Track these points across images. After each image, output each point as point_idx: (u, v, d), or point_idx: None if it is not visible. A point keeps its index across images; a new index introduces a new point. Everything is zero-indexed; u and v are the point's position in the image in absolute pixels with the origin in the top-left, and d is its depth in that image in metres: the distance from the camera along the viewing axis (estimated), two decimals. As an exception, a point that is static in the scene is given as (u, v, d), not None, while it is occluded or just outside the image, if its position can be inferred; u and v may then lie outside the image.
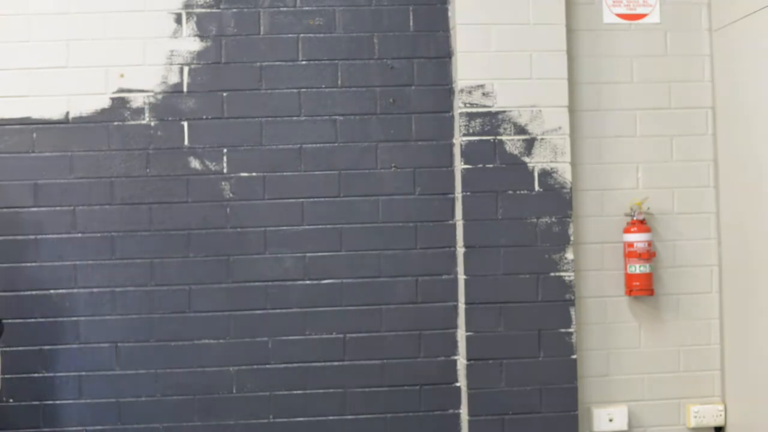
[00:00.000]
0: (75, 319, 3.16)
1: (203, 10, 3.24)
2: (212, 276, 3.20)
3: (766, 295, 3.07)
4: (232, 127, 3.23)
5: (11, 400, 3.12)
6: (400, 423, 3.24)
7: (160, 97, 3.21)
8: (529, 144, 3.20)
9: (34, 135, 3.16)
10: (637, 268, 3.25)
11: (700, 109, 3.39)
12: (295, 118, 3.25)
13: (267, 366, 3.21)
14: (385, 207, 3.25)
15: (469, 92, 3.19)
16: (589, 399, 3.31)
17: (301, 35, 3.26)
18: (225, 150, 3.22)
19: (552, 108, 3.21)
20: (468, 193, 3.18)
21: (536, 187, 3.20)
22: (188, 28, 3.23)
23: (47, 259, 3.15)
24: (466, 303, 3.17)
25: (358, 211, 3.25)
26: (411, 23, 3.29)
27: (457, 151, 3.24)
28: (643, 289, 3.26)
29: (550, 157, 3.21)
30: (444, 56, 3.29)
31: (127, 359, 3.17)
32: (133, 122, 3.20)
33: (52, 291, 3.15)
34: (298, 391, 3.21)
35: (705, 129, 3.39)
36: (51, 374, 3.13)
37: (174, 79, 3.22)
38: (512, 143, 3.20)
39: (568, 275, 3.20)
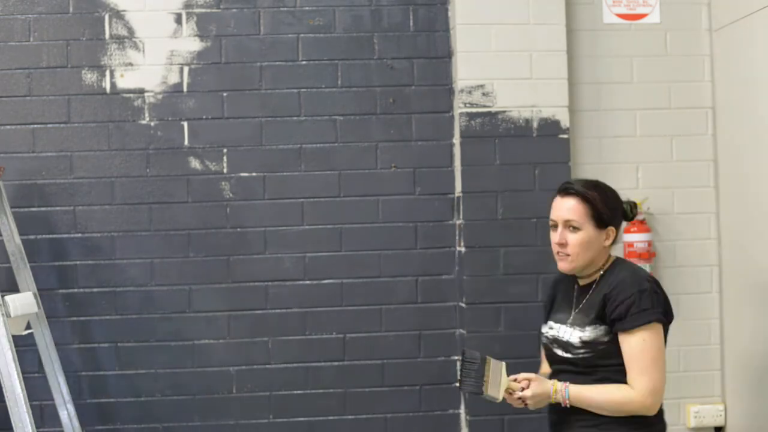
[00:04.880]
0: (75, 318, 3.16)
1: (203, 10, 3.24)
2: (212, 276, 3.20)
3: (767, 295, 3.07)
4: (232, 127, 3.23)
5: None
6: (400, 423, 3.24)
7: (160, 97, 3.21)
8: (530, 144, 3.20)
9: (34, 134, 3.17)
10: (637, 268, 3.25)
11: (700, 109, 3.39)
12: (295, 118, 3.25)
13: (267, 366, 3.21)
14: (385, 207, 3.25)
15: (469, 92, 3.19)
16: (589, 399, 3.31)
17: (301, 35, 3.26)
18: (225, 150, 3.22)
19: (552, 108, 3.21)
20: (468, 193, 3.18)
21: (536, 187, 3.20)
22: (188, 28, 3.23)
23: (48, 259, 3.15)
24: (466, 303, 3.17)
25: (358, 211, 3.25)
26: (411, 23, 3.29)
27: (457, 151, 3.24)
28: (643, 289, 3.26)
29: (551, 157, 3.21)
30: (444, 56, 3.29)
31: (127, 359, 3.17)
32: (133, 122, 3.20)
33: (52, 291, 3.15)
34: (298, 391, 3.21)
35: (705, 129, 3.39)
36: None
37: (174, 79, 3.22)
38: (512, 143, 3.20)
39: (568, 275, 3.20)
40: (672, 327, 3.34)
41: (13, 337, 2.67)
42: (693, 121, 3.39)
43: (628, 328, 2.23)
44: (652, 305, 2.25)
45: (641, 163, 3.36)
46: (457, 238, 3.26)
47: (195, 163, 3.22)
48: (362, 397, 3.22)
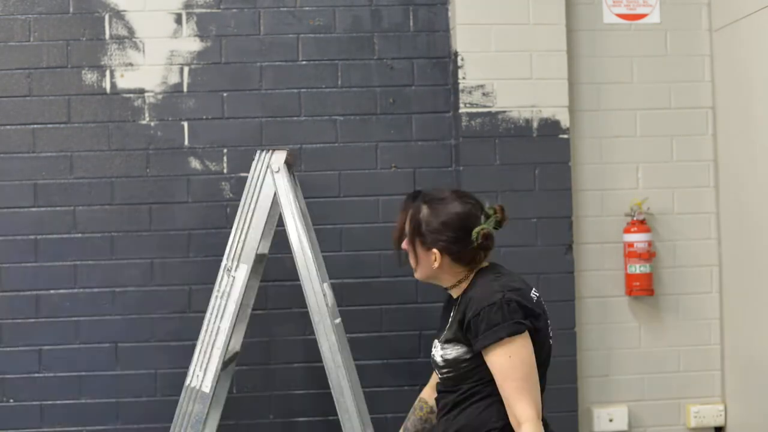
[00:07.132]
0: (75, 319, 3.16)
1: (203, 10, 3.24)
2: (212, 276, 3.19)
3: (766, 295, 3.07)
4: (232, 127, 3.23)
5: (11, 401, 3.12)
6: (400, 423, 3.23)
7: (160, 97, 3.21)
8: (530, 144, 3.20)
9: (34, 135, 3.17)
10: (637, 268, 3.25)
11: (700, 109, 3.39)
12: (295, 118, 3.25)
13: (267, 366, 3.20)
14: (385, 207, 3.25)
15: (469, 92, 3.19)
16: (589, 399, 3.31)
17: (301, 35, 3.26)
18: (225, 150, 3.22)
19: (552, 108, 3.21)
20: (468, 193, 3.18)
21: (536, 187, 3.20)
22: (188, 28, 3.23)
23: (48, 259, 3.15)
24: (466, 303, 3.16)
25: (358, 211, 3.24)
26: (411, 23, 3.29)
27: (457, 150, 3.24)
28: (643, 289, 3.26)
29: (551, 157, 3.21)
30: (444, 56, 3.29)
31: (127, 359, 3.16)
32: (133, 122, 3.20)
33: (52, 291, 3.15)
34: (298, 391, 3.21)
35: (705, 129, 3.39)
36: (51, 374, 3.13)
37: (174, 79, 3.22)
38: (512, 143, 3.20)
39: (568, 275, 3.20)
40: (672, 327, 3.37)
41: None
42: (693, 121, 3.39)
43: (485, 347, 2.05)
44: (503, 319, 2.03)
45: (641, 163, 3.36)
46: (457, 238, 3.25)
47: (195, 163, 3.21)
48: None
